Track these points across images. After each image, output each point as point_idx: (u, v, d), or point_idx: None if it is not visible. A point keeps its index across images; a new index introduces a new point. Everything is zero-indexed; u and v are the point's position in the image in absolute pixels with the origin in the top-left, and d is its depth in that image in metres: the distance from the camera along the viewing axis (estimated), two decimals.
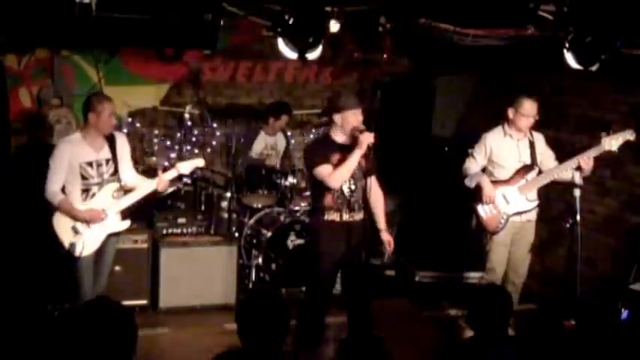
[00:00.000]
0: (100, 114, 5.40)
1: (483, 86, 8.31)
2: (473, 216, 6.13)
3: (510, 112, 5.94)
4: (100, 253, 5.60)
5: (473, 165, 6.07)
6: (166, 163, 7.53)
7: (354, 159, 5.32)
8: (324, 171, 5.40)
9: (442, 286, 7.39)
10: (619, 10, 4.83)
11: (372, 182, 5.56)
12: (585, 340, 5.65)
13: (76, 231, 5.44)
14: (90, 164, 5.44)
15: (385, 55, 7.65)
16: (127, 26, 5.13)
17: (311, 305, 5.71)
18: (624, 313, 5.68)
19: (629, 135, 5.75)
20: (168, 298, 6.63)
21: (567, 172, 5.84)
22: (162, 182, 5.68)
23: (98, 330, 2.69)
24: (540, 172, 6.02)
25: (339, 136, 5.48)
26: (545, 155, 6.09)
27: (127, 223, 5.69)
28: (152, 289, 6.63)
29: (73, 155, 5.40)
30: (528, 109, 5.88)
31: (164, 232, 6.81)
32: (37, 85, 7.15)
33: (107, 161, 5.52)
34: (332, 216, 5.50)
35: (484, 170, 6.10)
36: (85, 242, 5.44)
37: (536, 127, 6.12)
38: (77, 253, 5.42)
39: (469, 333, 5.06)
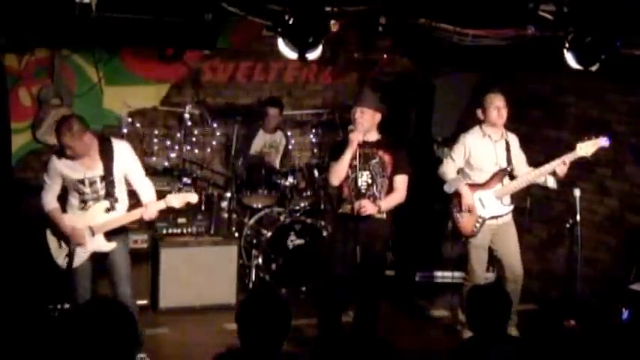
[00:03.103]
0: (64, 146, 5.13)
1: (483, 86, 8.29)
2: (449, 219, 6.15)
3: (479, 112, 6.01)
4: (110, 265, 5.47)
5: (451, 168, 6.05)
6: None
7: (345, 157, 5.45)
8: (329, 167, 5.62)
9: (442, 286, 7.39)
10: (619, 10, 4.82)
11: (397, 180, 5.58)
12: (585, 340, 5.66)
13: (60, 244, 5.38)
14: (81, 182, 5.29)
15: (385, 55, 7.66)
16: (127, 26, 5.12)
17: (322, 303, 5.71)
18: (624, 313, 5.68)
19: (602, 142, 5.80)
20: (169, 298, 6.63)
21: (542, 176, 5.93)
22: (147, 212, 5.40)
23: (98, 330, 2.69)
24: (513, 175, 6.04)
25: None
26: (519, 158, 6.11)
27: (112, 245, 5.42)
28: (152, 289, 6.64)
29: (64, 171, 5.28)
30: (492, 100, 5.96)
31: (164, 232, 6.80)
32: (37, 85, 7.14)
33: (102, 178, 5.31)
34: (345, 208, 5.55)
35: (459, 172, 6.09)
36: (70, 256, 5.30)
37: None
38: (60, 264, 5.33)
39: (469, 333, 5.07)
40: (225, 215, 7.33)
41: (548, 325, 6.22)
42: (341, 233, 5.57)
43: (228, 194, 7.33)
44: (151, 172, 7.09)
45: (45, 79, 7.15)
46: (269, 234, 7.02)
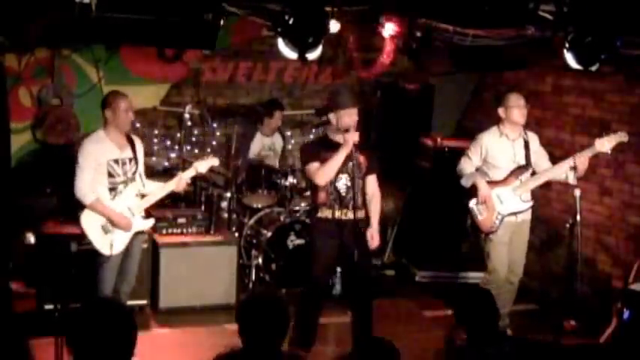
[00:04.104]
0: (114, 110, 5.45)
1: (483, 86, 8.30)
2: (468, 216, 6.17)
3: (501, 111, 6.05)
4: (127, 252, 5.65)
5: (468, 165, 6.11)
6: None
7: (339, 157, 5.40)
8: (311, 168, 5.51)
9: (442, 286, 7.39)
10: (619, 10, 4.83)
11: (371, 181, 5.59)
12: (585, 340, 5.66)
13: (105, 230, 5.48)
14: (116, 162, 5.50)
15: (385, 56, 7.65)
16: (127, 26, 5.13)
17: (303, 304, 5.71)
18: (624, 313, 5.68)
19: (621, 137, 5.83)
20: (169, 298, 6.63)
21: (562, 172, 5.94)
22: (181, 182, 5.73)
23: (98, 330, 2.69)
24: (534, 172, 6.07)
25: (335, 135, 5.52)
26: (539, 155, 6.15)
27: (150, 222, 5.80)
28: (152, 289, 6.63)
29: (99, 153, 5.44)
30: (514, 100, 6.03)
31: (164, 232, 6.81)
32: (37, 85, 7.14)
33: (130, 160, 5.58)
34: (325, 213, 5.53)
35: (477, 170, 6.12)
36: (114, 241, 5.48)
37: (536, 125, 6.13)
38: (107, 251, 5.46)
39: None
40: (225, 215, 7.33)
41: (548, 325, 6.22)
42: (322, 238, 5.55)
43: (228, 194, 7.33)
44: (151, 172, 7.09)
45: (45, 79, 7.15)
46: (269, 234, 7.02)
